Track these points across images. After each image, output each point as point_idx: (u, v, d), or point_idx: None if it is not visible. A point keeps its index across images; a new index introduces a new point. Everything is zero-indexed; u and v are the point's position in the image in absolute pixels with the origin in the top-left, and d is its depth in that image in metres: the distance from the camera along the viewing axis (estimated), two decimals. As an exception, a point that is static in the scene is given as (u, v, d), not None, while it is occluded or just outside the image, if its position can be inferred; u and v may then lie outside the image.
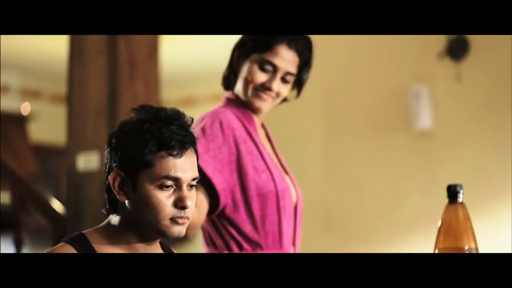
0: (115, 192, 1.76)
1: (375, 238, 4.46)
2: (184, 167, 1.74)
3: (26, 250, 4.21)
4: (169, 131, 1.72)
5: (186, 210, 1.74)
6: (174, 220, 1.73)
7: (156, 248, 1.83)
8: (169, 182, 1.72)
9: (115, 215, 1.80)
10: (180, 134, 1.73)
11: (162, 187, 1.72)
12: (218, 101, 2.47)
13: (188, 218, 1.75)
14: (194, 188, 1.77)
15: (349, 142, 4.61)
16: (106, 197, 1.80)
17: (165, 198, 1.73)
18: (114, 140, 1.77)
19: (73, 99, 4.07)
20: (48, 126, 7.46)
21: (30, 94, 7.92)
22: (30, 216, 4.75)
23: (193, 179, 1.75)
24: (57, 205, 4.14)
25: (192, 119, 1.79)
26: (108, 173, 1.78)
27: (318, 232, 4.62)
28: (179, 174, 1.73)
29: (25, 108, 7.53)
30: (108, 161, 1.78)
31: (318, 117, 4.73)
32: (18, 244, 4.12)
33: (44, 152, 7.45)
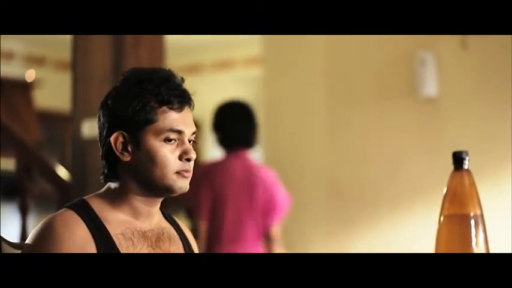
0: (117, 153, 1.77)
1: (379, 205, 4.46)
2: (185, 121, 1.79)
3: (31, 217, 4.23)
4: (167, 88, 1.77)
5: (191, 163, 1.78)
6: (180, 173, 1.78)
7: (157, 212, 1.85)
8: (174, 135, 1.77)
9: (113, 182, 1.81)
10: (178, 90, 1.79)
11: (167, 141, 1.77)
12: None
13: (191, 172, 1.79)
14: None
15: (354, 109, 4.60)
16: (104, 163, 1.81)
17: (170, 152, 1.77)
18: (111, 103, 1.79)
19: (77, 66, 4.06)
20: (53, 93, 7.44)
21: (35, 61, 7.90)
22: (35, 182, 4.76)
23: (193, 134, 1.81)
24: (62, 172, 4.15)
25: (183, 78, 1.83)
26: (106, 137, 1.79)
27: (323, 198, 4.63)
28: (181, 127, 1.78)
29: (30, 74, 7.51)
30: (106, 125, 1.80)
31: (322, 84, 4.71)
32: (23, 211, 4.13)
33: (48, 118, 7.44)
